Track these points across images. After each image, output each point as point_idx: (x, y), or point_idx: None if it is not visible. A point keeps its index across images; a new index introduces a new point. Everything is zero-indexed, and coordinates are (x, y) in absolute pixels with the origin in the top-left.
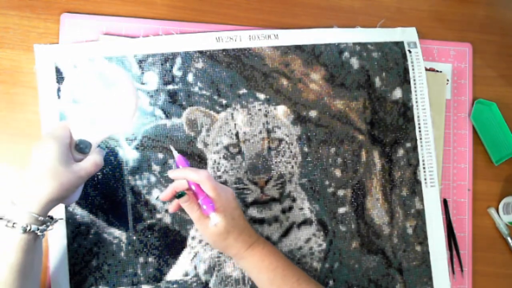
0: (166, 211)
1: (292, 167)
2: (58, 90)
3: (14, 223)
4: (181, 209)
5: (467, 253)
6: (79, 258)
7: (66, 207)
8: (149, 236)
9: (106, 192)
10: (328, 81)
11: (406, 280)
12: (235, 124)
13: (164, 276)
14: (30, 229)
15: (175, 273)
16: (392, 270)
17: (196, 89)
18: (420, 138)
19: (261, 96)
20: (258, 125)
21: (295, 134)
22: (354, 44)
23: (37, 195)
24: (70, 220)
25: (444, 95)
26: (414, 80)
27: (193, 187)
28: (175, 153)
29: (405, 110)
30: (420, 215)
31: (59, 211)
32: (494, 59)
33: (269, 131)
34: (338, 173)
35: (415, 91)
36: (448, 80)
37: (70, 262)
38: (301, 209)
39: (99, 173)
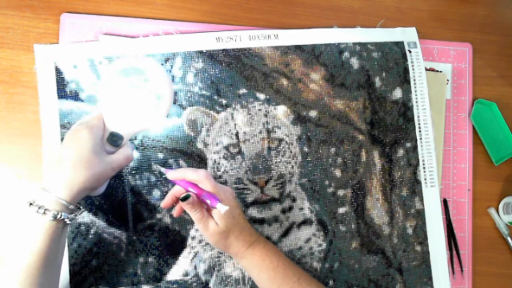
0: (167, 211)
1: (292, 167)
2: (58, 90)
3: (45, 210)
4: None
5: (467, 253)
6: (79, 258)
7: None
8: (149, 236)
9: (106, 192)
10: (328, 81)
11: (406, 280)
12: (235, 124)
13: (164, 276)
14: (60, 217)
15: (175, 273)
16: (392, 270)
17: (196, 89)
18: (420, 138)
19: (261, 96)
20: (258, 125)
21: (295, 134)
22: (354, 44)
23: (69, 184)
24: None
25: (444, 95)
26: (414, 80)
27: (191, 190)
28: (163, 169)
29: (405, 110)
30: (420, 215)
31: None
32: (494, 59)
33: (269, 131)
34: (338, 173)
35: (415, 91)
36: (448, 80)
37: (70, 262)
38: (301, 209)
39: None
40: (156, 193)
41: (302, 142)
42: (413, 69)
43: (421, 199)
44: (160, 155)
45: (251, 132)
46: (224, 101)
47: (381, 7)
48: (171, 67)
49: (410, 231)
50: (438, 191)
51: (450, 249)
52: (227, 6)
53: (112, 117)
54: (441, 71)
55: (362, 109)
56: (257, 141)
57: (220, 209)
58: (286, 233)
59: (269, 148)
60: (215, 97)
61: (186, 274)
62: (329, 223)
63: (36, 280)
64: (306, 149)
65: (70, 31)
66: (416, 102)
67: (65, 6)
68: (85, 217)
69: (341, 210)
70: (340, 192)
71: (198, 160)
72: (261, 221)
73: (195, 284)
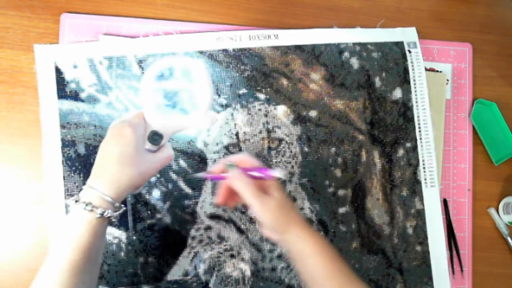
0: (166, 211)
1: (292, 167)
2: (58, 90)
3: (93, 207)
4: (182, 208)
5: (467, 253)
6: None
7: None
8: (149, 236)
9: None
10: (328, 81)
11: (406, 280)
12: (235, 124)
13: (164, 276)
14: (107, 214)
15: (175, 273)
16: (392, 270)
17: None
18: (420, 138)
19: (261, 96)
20: (258, 125)
21: (295, 134)
22: (354, 44)
23: (116, 181)
24: None
25: (444, 95)
26: (414, 80)
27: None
28: (200, 175)
29: (405, 110)
30: (420, 215)
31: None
32: (494, 59)
33: (269, 131)
34: (338, 173)
35: (415, 91)
36: (448, 80)
37: None
38: (302, 209)
39: None
40: (156, 193)
41: (302, 142)
42: (413, 69)
43: (421, 199)
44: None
45: (251, 132)
46: (224, 101)
47: (381, 7)
48: None
49: (410, 231)
50: (438, 191)
51: (450, 249)
52: (227, 6)
53: (153, 116)
54: (441, 71)
55: (362, 109)
56: (257, 141)
57: (280, 174)
58: None
59: (269, 148)
60: (215, 96)
61: (186, 274)
62: (329, 223)
63: (80, 277)
64: (306, 149)
65: (70, 31)
66: (416, 102)
67: (65, 6)
68: None
69: (342, 210)
70: (340, 192)
71: (198, 160)
72: None
73: (195, 284)
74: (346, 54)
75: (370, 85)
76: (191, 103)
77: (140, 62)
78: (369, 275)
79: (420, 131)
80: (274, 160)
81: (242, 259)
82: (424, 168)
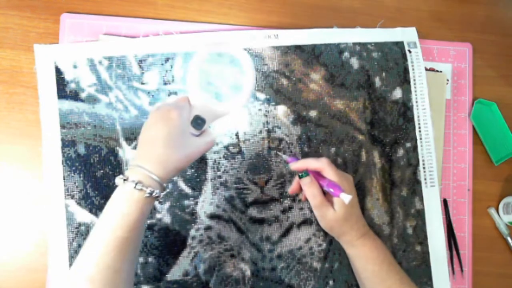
0: (166, 211)
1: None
2: (58, 90)
3: (143, 186)
4: (182, 208)
5: (467, 253)
6: None
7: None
8: (149, 236)
9: (106, 192)
10: (328, 81)
11: None
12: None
13: (164, 276)
14: (155, 194)
15: (175, 273)
16: None
17: None
18: (420, 138)
19: (261, 96)
20: (258, 125)
21: (295, 134)
22: (354, 44)
23: (164, 162)
24: (70, 220)
25: (444, 95)
26: (414, 80)
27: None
28: (285, 156)
29: (405, 110)
30: (420, 215)
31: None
32: (494, 59)
33: (269, 131)
34: None
35: (415, 91)
36: (448, 80)
37: (69, 262)
38: (301, 209)
39: (98, 173)
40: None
41: (302, 142)
42: (413, 69)
43: (421, 199)
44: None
45: (251, 132)
46: None
47: (381, 7)
48: (171, 67)
49: (410, 231)
50: (438, 191)
51: (450, 249)
52: (227, 6)
53: (198, 100)
54: (441, 71)
55: (362, 109)
56: (257, 140)
57: (344, 198)
58: (286, 233)
59: (269, 148)
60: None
61: (186, 274)
62: None
63: (127, 255)
64: (306, 149)
65: (70, 31)
66: (416, 102)
67: (65, 6)
68: (85, 217)
69: None
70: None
71: (198, 160)
72: (261, 221)
73: (195, 284)
74: (346, 54)
75: (370, 85)
76: (234, 91)
77: (140, 62)
78: None
79: (420, 131)
80: (274, 160)
81: (242, 259)
82: (424, 168)
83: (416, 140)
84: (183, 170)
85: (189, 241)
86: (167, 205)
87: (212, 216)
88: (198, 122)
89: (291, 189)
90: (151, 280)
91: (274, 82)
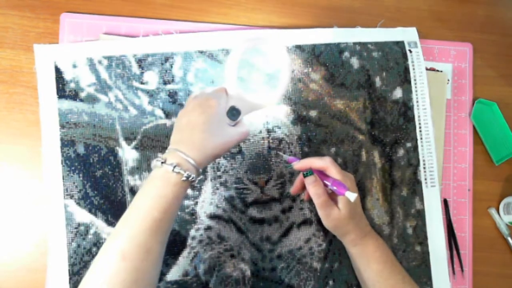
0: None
1: (291, 167)
2: (58, 89)
3: (181, 169)
4: (181, 208)
5: (467, 253)
6: (78, 258)
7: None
8: None
9: (106, 192)
10: (328, 81)
11: None
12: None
13: (164, 276)
14: (191, 178)
15: (175, 273)
16: None
17: (196, 88)
18: (421, 138)
19: None
20: (258, 125)
21: (295, 134)
22: (354, 44)
23: (202, 148)
24: (69, 220)
25: (445, 95)
26: (415, 80)
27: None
28: (285, 156)
29: (406, 110)
30: (420, 215)
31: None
32: (494, 59)
33: (269, 131)
34: None
35: (416, 91)
36: (448, 80)
37: (69, 262)
38: (301, 209)
39: (98, 173)
40: None
41: (302, 142)
42: (413, 69)
43: (421, 199)
44: (160, 155)
45: (251, 131)
46: None
47: (381, 7)
48: (171, 66)
49: (410, 231)
50: (439, 191)
51: (450, 249)
52: (227, 6)
53: (235, 92)
54: (441, 71)
55: (362, 109)
56: (257, 140)
57: (350, 196)
58: (286, 233)
59: (269, 148)
60: None
61: (186, 274)
62: None
63: (159, 237)
64: (306, 149)
65: (70, 31)
66: (417, 102)
67: (65, 6)
68: (85, 217)
69: None
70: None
71: None
72: (261, 221)
73: (195, 284)
74: (346, 53)
75: (370, 85)
76: (270, 86)
77: (139, 61)
78: None
79: (420, 131)
80: (274, 160)
81: (242, 259)
82: (424, 168)
83: (416, 140)
84: (217, 158)
85: (189, 241)
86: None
87: (212, 216)
88: (233, 113)
89: (293, 189)
90: None
91: None
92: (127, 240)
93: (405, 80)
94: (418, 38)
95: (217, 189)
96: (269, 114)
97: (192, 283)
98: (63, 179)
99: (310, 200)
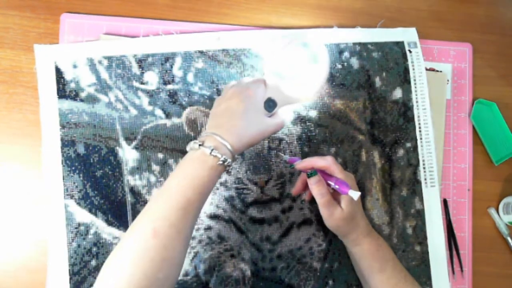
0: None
1: (292, 167)
2: (58, 89)
3: (218, 153)
4: None
5: (467, 253)
6: (79, 258)
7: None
8: None
9: (106, 192)
10: (328, 81)
11: None
12: None
13: None
14: (227, 163)
15: None
16: None
17: (196, 88)
18: (420, 138)
19: None
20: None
21: (295, 134)
22: (354, 44)
23: (240, 134)
24: (70, 220)
25: (444, 95)
26: (415, 80)
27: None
28: (285, 157)
29: (405, 110)
30: (420, 215)
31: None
32: (494, 59)
33: None
34: None
35: (415, 91)
36: (448, 80)
37: (69, 262)
38: (301, 209)
39: (98, 173)
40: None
41: (302, 142)
42: (413, 69)
43: (421, 199)
44: (160, 155)
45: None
46: None
47: (381, 7)
48: (171, 67)
49: (410, 231)
50: (438, 191)
51: (450, 249)
52: (227, 6)
53: (273, 84)
54: (441, 71)
55: (362, 109)
56: None
57: (353, 195)
58: (286, 233)
59: (269, 148)
60: (215, 96)
61: (186, 274)
62: None
63: (190, 217)
64: (306, 149)
65: (70, 31)
66: (417, 102)
67: (65, 6)
68: (85, 217)
69: None
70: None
71: None
72: (261, 221)
73: (195, 284)
74: (346, 54)
75: (370, 85)
76: (308, 80)
77: (139, 62)
78: None
79: (420, 131)
80: (274, 160)
81: (242, 259)
82: (424, 168)
83: (416, 140)
84: (251, 146)
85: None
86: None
87: (212, 216)
88: (270, 104)
89: (294, 190)
90: None
91: None
92: (160, 218)
93: (404, 80)
94: (418, 38)
95: (217, 189)
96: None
97: (192, 283)
98: (63, 179)
99: (311, 201)
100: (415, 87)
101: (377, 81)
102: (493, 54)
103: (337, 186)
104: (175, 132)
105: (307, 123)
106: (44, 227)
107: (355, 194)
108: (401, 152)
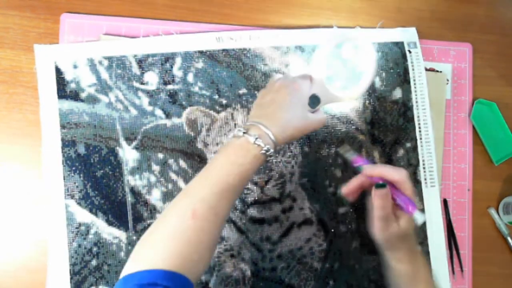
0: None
1: (293, 166)
2: (58, 89)
3: (261, 142)
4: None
5: (467, 253)
6: (79, 258)
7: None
8: None
9: (106, 192)
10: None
11: None
12: (235, 124)
13: None
14: (269, 153)
15: None
16: None
17: (196, 89)
18: (420, 138)
19: None
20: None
21: None
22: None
23: (284, 126)
24: (70, 219)
25: (444, 95)
26: (414, 80)
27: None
28: (350, 155)
29: (405, 110)
30: None
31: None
32: (494, 59)
33: None
34: (338, 173)
35: (415, 91)
36: (448, 80)
37: (70, 262)
38: (302, 209)
39: (98, 173)
40: (156, 193)
41: (302, 142)
42: (413, 69)
43: (421, 199)
44: (160, 155)
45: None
46: (224, 101)
47: (381, 7)
48: (171, 67)
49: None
50: (438, 191)
51: (450, 249)
52: (227, 6)
53: (319, 80)
54: (441, 71)
55: (362, 109)
56: None
57: (418, 219)
58: (286, 233)
59: None
60: (215, 97)
61: None
62: (329, 223)
63: (227, 203)
64: (306, 149)
65: (70, 31)
66: (416, 102)
67: (65, 6)
68: (85, 217)
69: (342, 210)
70: (341, 192)
71: (198, 160)
72: (261, 221)
73: None
74: None
75: (370, 85)
76: (355, 80)
77: (140, 62)
78: (369, 275)
79: (420, 131)
80: (274, 160)
81: (242, 259)
82: (424, 168)
83: (416, 140)
84: (292, 140)
85: None
86: (167, 205)
87: None
88: (314, 101)
89: (346, 190)
90: None
91: None
92: (200, 199)
93: (404, 80)
94: (418, 38)
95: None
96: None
97: None
98: (64, 179)
99: (353, 200)
100: (415, 87)
101: (377, 81)
102: (493, 54)
103: (402, 204)
104: (175, 132)
105: None
106: (44, 227)
107: (421, 218)
108: (401, 152)
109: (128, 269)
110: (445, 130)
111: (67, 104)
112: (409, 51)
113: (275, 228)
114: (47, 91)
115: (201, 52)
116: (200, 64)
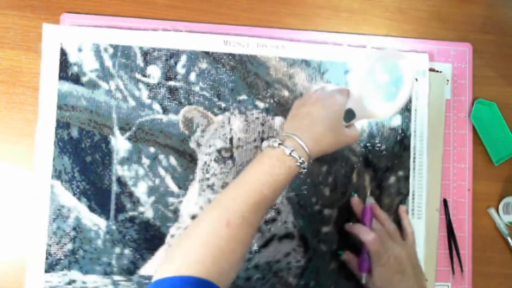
0: (150, 205)
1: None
2: (60, 70)
3: (297, 154)
4: (165, 205)
5: (467, 253)
6: (56, 239)
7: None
8: (128, 227)
9: (93, 178)
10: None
11: None
12: (230, 129)
13: (138, 270)
14: (303, 165)
15: (149, 268)
16: None
17: (197, 88)
18: (414, 168)
19: (261, 104)
20: (253, 133)
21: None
22: None
23: (319, 140)
24: (53, 200)
25: (444, 95)
26: (416, 110)
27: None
28: (368, 199)
29: (402, 138)
30: None
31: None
32: (494, 59)
33: (263, 141)
34: (326, 191)
35: (415, 121)
36: (448, 80)
37: (47, 242)
38: (285, 222)
39: (88, 158)
40: (143, 186)
41: None
42: (416, 99)
43: None
44: (152, 149)
45: (246, 139)
46: (223, 104)
47: (381, 7)
48: (175, 63)
49: None
50: (424, 223)
51: (450, 249)
52: (227, 6)
53: (356, 96)
54: (441, 71)
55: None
56: (250, 148)
57: (363, 278)
58: (266, 244)
59: None
60: (215, 99)
61: None
62: (311, 240)
63: (261, 213)
64: None
65: None
66: (415, 131)
67: (65, 6)
68: (69, 199)
69: (325, 229)
70: (326, 211)
71: (189, 159)
72: None
73: None
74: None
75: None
76: (390, 99)
77: (145, 54)
78: None
79: (414, 161)
80: None
81: None
82: (413, 199)
83: (409, 169)
84: (326, 154)
85: (168, 238)
86: (151, 199)
87: (194, 217)
88: (349, 116)
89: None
90: (124, 272)
91: (275, 93)
92: (234, 209)
93: (406, 108)
94: (429, 66)
95: (204, 191)
96: (265, 124)
97: None
98: (53, 159)
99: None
100: (415, 117)
101: None
102: (493, 54)
103: (360, 260)
104: (170, 128)
105: None
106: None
107: (363, 280)
108: (392, 179)
109: (161, 272)
110: (445, 130)
111: (67, 86)
112: (416, 79)
113: (255, 238)
114: (49, 71)
115: (206, 53)
116: (204, 65)
